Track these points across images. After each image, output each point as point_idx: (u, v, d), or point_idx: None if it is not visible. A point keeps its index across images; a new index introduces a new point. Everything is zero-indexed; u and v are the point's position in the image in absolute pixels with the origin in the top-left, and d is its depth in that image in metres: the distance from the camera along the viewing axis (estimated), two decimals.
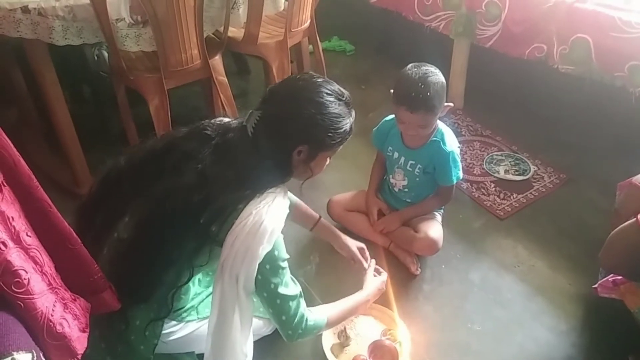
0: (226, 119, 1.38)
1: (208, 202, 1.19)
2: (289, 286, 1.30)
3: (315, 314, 1.40)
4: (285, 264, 1.29)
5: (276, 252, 1.24)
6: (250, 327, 1.34)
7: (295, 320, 1.32)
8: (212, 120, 1.36)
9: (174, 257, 1.24)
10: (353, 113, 1.33)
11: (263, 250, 1.20)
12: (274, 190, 1.27)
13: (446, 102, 1.70)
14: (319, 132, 1.25)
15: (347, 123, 1.30)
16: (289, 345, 1.60)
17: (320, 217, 1.77)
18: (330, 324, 1.46)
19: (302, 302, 1.35)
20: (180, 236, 1.22)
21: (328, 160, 1.36)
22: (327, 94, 1.26)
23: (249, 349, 1.35)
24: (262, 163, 1.24)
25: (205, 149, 1.25)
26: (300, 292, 1.34)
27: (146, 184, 1.27)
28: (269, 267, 1.24)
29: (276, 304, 1.28)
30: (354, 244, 1.74)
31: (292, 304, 1.30)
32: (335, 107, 1.26)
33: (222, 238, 1.21)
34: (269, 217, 1.20)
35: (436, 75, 1.66)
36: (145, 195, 1.27)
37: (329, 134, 1.26)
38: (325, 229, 1.77)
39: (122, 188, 1.32)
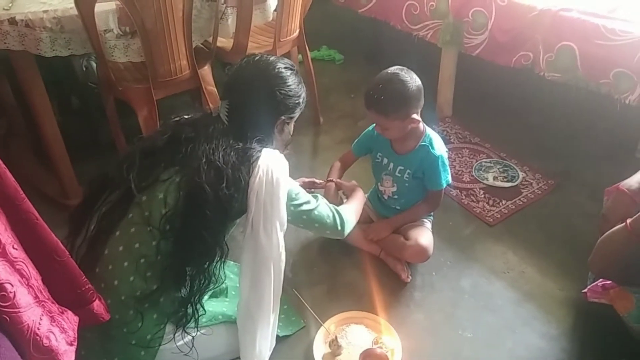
0: (186, 116, 1.50)
1: (231, 185, 1.31)
2: (310, 201, 1.50)
3: (340, 207, 1.64)
4: (298, 189, 1.47)
5: (290, 188, 1.42)
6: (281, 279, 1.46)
7: (335, 216, 1.55)
8: (178, 121, 1.47)
9: (216, 245, 1.35)
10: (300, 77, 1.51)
11: (284, 192, 1.37)
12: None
13: (417, 114, 1.71)
14: (289, 103, 1.45)
15: (303, 88, 1.50)
16: (279, 355, 1.60)
17: None
18: (356, 211, 1.72)
19: (324, 201, 1.55)
20: (217, 226, 1.34)
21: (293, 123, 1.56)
22: (284, 68, 1.44)
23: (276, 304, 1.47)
24: (251, 141, 1.39)
25: (202, 147, 1.35)
26: (315, 195, 1.55)
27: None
28: (293, 200, 1.44)
29: (316, 218, 1.51)
30: (299, 181, 1.85)
31: (323, 209, 1.53)
32: (293, 78, 1.45)
33: (244, 202, 1.35)
34: (274, 165, 1.36)
35: (404, 83, 1.66)
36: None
37: (297, 102, 1.47)
38: None
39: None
